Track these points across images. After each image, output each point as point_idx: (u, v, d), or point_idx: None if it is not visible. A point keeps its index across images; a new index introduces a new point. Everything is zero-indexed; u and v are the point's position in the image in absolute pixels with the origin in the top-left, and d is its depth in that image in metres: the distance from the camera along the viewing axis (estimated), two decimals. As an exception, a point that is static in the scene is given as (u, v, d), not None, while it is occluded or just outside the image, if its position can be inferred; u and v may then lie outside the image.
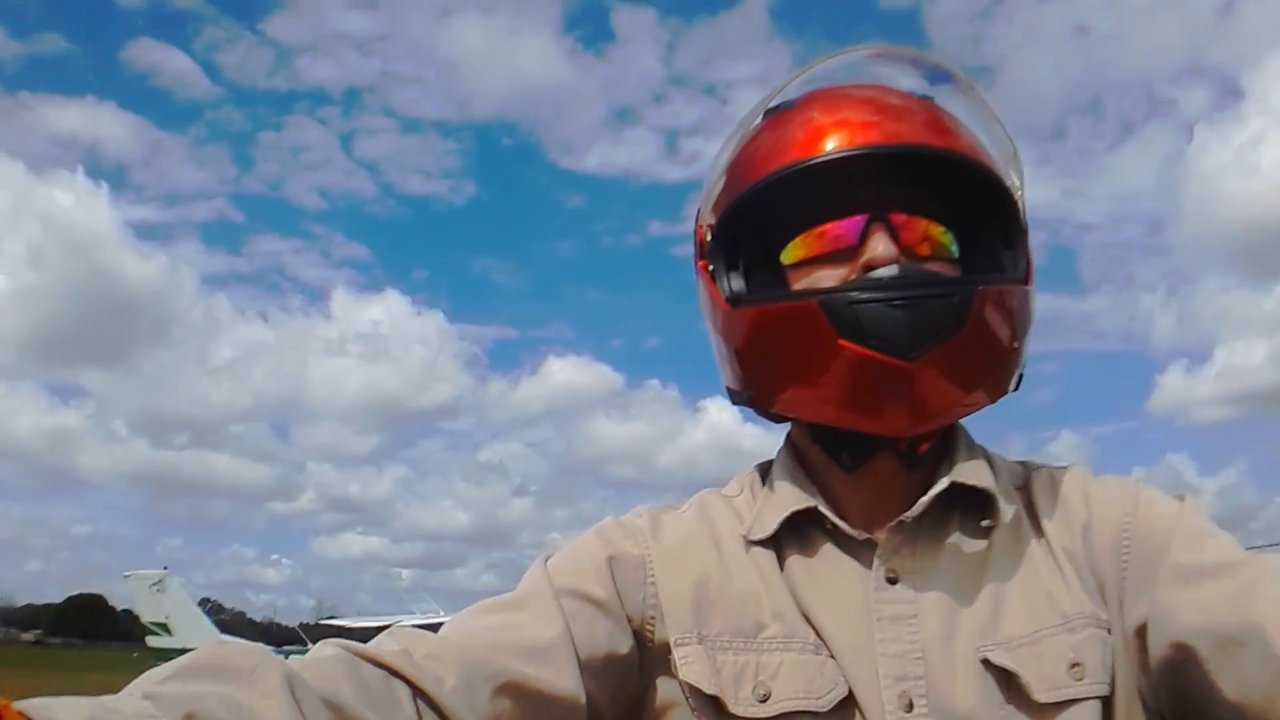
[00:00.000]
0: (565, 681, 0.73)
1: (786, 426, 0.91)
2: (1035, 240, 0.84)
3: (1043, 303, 0.84)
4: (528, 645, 0.73)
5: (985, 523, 0.80)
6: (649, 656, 0.80)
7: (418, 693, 0.68)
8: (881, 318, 0.74)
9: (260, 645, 0.64)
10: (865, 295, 0.74)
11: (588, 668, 0.75)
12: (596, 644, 0.77)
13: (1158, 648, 0.72)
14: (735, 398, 0.88)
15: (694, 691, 0.76)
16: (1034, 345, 0.82)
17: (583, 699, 0.74)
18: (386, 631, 0.73)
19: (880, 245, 0.76)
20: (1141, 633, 0.74)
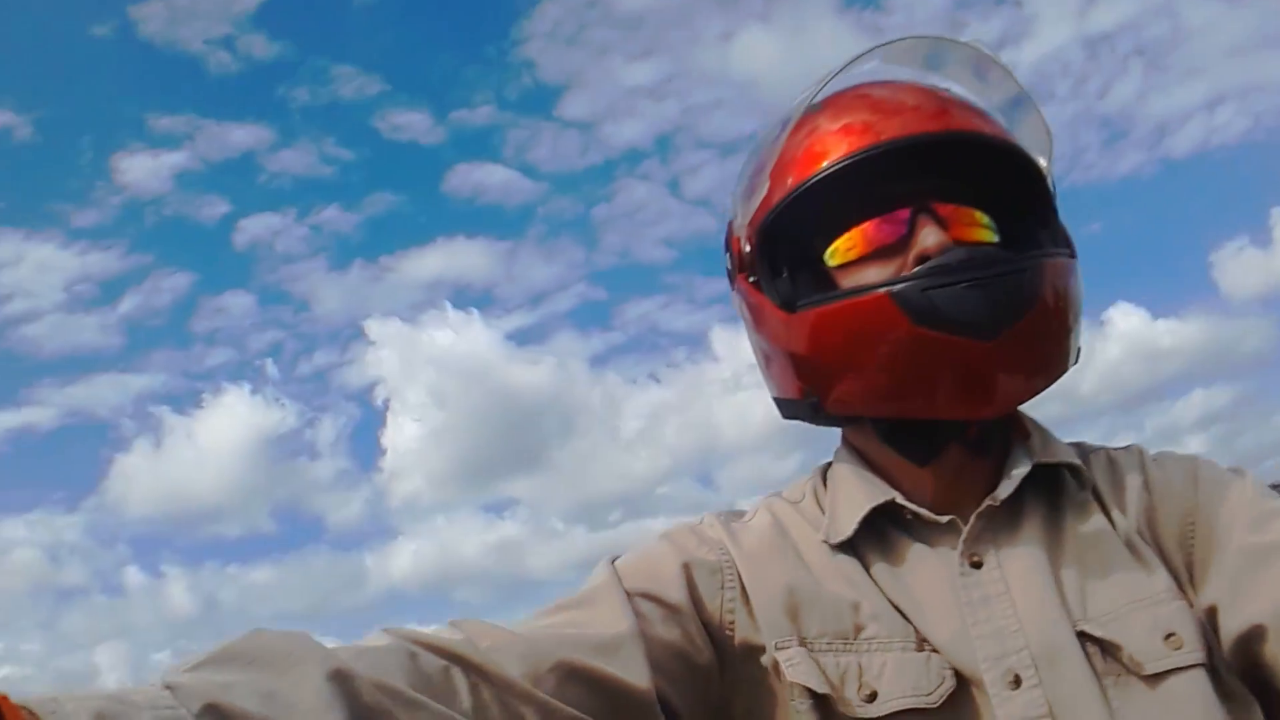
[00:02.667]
0: (635, 676, 0.71)
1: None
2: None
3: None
4: (596, 640, 0.71)
5: (1081, 494, 0.79)
6: (729, 661, 0.78)
7: (482, 681, 0.65)
8: (959, 300, 0.73)
9: (303, 631, 0.60)
10: (939, 280, 0.73)
11: (661, 669, 0.73)
12: (670, 646, 0.75)
13: (1230, 629, 0.71)
14: (794, 409, 0.87)
15: (803, 692, 0.74)
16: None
17: (654, 696, 0.71)
18: (450, 622, 0.71)
19: (931, 236, 0.76)
20: (1213, 614, 0.72)
